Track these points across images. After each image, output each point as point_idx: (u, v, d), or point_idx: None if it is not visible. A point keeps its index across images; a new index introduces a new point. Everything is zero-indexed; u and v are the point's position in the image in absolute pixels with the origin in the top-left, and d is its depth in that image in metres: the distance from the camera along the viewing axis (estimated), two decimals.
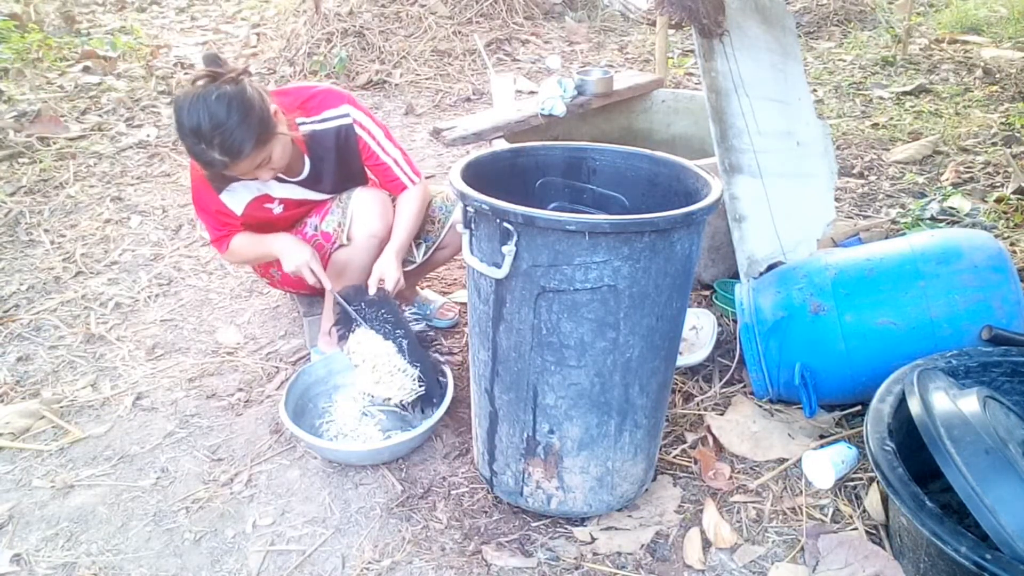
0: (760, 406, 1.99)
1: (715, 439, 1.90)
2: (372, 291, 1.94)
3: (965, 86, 4.52)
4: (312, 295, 2.40)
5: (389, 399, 1.90)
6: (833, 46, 5.60)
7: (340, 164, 2.06)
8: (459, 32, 5.62)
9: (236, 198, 2.00)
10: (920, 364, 1.65)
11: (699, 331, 2.23)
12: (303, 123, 1.96)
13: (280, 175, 2.01)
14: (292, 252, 1.98)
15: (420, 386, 1.90)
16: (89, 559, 1.65)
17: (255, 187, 2.00)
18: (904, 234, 2.22)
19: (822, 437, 1.88)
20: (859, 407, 1.93)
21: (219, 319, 2.58)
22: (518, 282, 1.41)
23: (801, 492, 1.73)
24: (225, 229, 2.05)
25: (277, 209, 2.08)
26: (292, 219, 2.15)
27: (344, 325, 1.98)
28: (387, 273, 1.96)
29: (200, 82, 1.70)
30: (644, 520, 1.68)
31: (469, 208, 1.45)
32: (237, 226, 2.06)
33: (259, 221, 2.08)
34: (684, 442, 1.91)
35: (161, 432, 2.04)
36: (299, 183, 2.06)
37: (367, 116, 2.04)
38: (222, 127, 1.66)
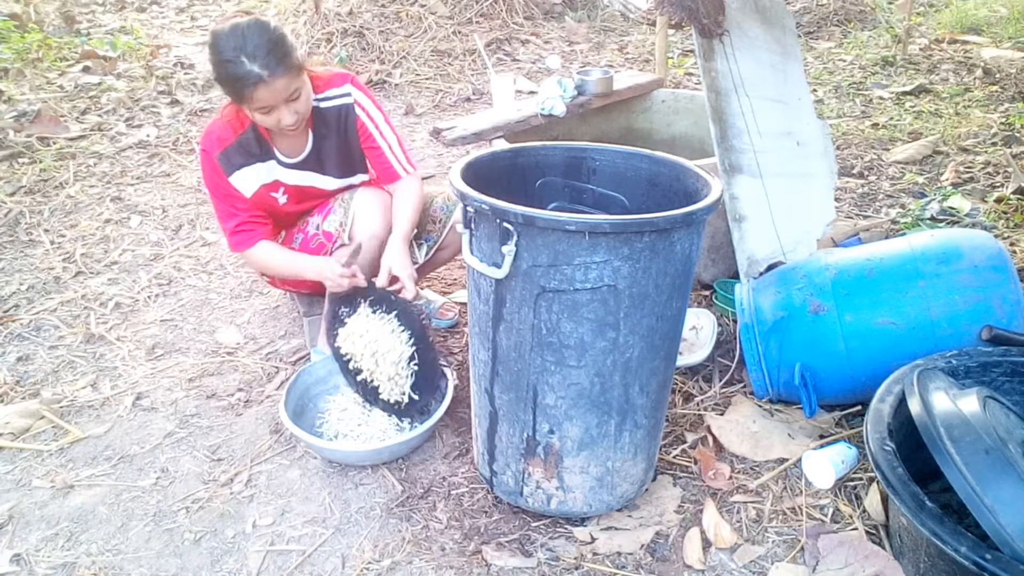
0: (760, 406, 1.99)
1: (715, 439, 1.90)
2: (380, 283, 1.91)
3: (965, 86, 4.52)
4: (312, 295, 2.40)
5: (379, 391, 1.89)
6: (833, 46, 5.60)
7: (340, 144, 2.07)
8: (459, 32, 5.62)
9: (245, 184, 2.01)
10: (920, 364, 1.65)
11: (699, 331, 2.23)
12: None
13: (284, 156, 2.02)
14: (327, 272, 1.94)
15: (415, 394, 1.90)
16: (89, 559, 1.65)
17: (263, 172, 2.02)
18: (904, 234, 2.22)
19: (822, 437, 1.88)
20: (859, 407, 1.93)
21: (219, 319, 2.58)
22: (518, 282, 1.41)
23: (801, 492, 1.73)
24: (247, 224, 2.03)
25: (282, 200, 2.09)
26: (295, 214, 2.16)
27: (351, 307, 1.97)
28: (396, 267, 1.91)
29: (236, 18, 1.78)
30: (644, 520, 1.68)
31: (469, 208, 1.45)
32: (262, 226, 2.05)
33: (264, 210, 2.09)
34: (684, 442, 1.91)
35: (161, 432, 2.04)
36: (302, 165, 2.07)
37: (368, 98, 2.06)
38: (263, 43, 1.74)
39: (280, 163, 2.04)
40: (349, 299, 1.97)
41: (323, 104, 2.01)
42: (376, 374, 1.88)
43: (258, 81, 1.74)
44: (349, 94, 2.02)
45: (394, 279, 1.93)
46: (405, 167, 2.12)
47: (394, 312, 1.93)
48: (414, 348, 1.90)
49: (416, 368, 1.90)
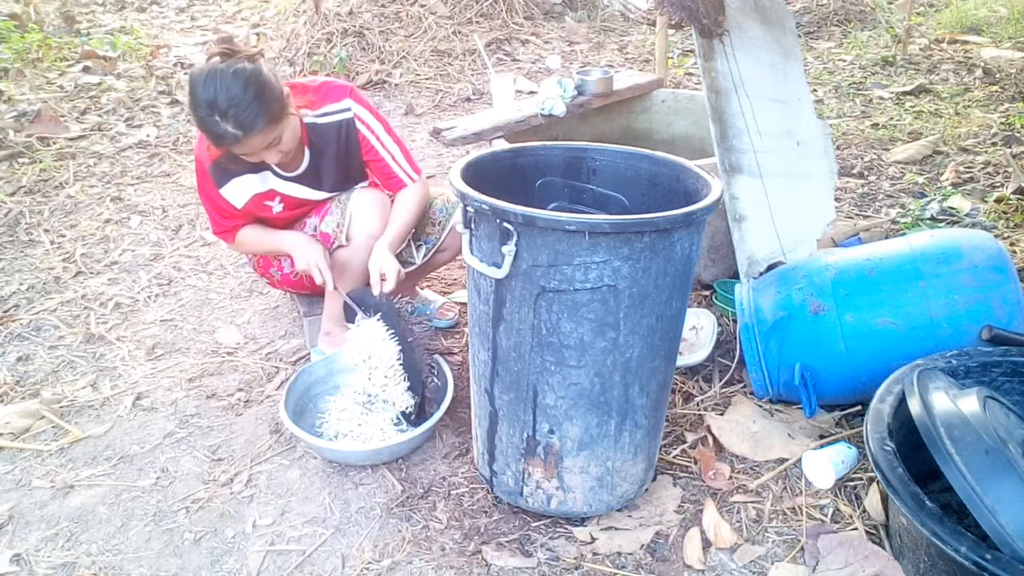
0: (760, 406, 1.99)
1: (715, 439, 1.90)
2: (376, 291, 1.93)
3: (965, 86, 4.52)
4: (312, 295, 2.40)
5: (382, 397, 1.90)
6: (833, 46, 5.60)
7: (340, 159, 2.06)
8: (459, 32, 5.62)
9: (236, 195, 2.00)
10: (920, 364, 1.65)
11: (699, 331, 2.23)
12: (305, 115, 1.96)
13: (279, 170, 2.01)
14: (303, 250, 1.99)
15: (413, 399, 1.91)
16: (89, 559, 1.65)
17: (256, 182, 2.01)
18: (904, 234, 2.22)
19: (822, 437, 1.88)
20: (859, 407, 1.93)
21: (219, 319, 2.58)
22: (518, 282, 1.41)
23: (801, 492, 1.73)
24: (232, 221, 2.07)
25: (277, 208, 2.08)
26: (290, 219, 2.15)
27: (352, 320, 1.99)
28: (386, 268, 1.93)
29: (215, 59, 1.72)
30: (644, 520, 1.68)
31: (469, 208, 1.45)
32: (243, 219, 2.08)
33: (255, 217, 2.09)
34: (684, 442, 1.91)
35: (161, 432, 2.04)
36: (299, 179, 2.06)
37: (367, 110, 2.04)
38: (238, 101, 1.68)
39: (275, 174, 2.03)
40: (348, 313, 1.99)
41: (320, 120, 1.99)
42: (377, 384, 1.90)
43: (233, 141, 1.73)
44: (348, 109, 2.00)
45: (383, 277, 1.94)
46: (410, 175, 2.12)
47: (379, 314, 1.94)
48: (400, 349, 1.91)
49: (402, 367, 1.90)
